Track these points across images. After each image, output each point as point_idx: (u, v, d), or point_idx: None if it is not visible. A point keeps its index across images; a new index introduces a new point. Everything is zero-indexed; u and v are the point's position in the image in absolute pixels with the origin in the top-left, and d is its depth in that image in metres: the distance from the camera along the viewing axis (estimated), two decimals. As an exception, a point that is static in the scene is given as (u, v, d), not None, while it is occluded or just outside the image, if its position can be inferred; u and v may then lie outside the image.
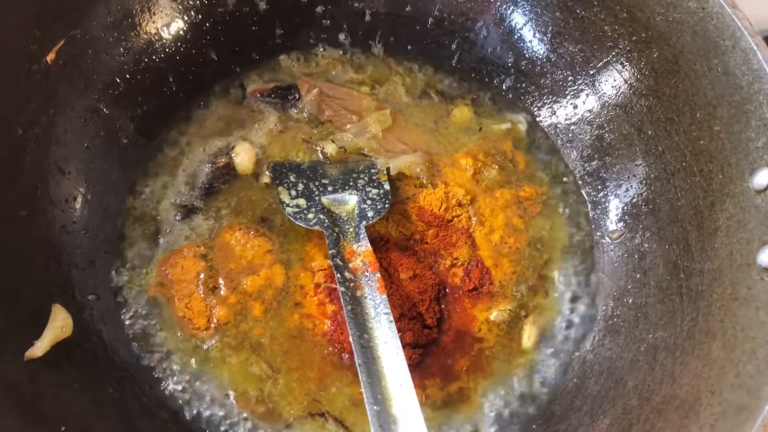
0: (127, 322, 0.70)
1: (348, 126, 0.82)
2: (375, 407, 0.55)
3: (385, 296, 0.65)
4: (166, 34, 0.80)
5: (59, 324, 0.65)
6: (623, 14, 0.74)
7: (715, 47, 0.65)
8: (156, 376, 0.68)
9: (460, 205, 0.77)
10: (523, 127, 0.84)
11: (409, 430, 0.54)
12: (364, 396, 0.56)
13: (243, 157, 0.79)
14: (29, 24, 0.67)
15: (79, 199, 0.73)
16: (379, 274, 0.67)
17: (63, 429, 0.57)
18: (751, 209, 0.61)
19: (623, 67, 0.76)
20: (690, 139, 0.69)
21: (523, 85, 0.85)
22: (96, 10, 0.73)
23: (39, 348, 0.62)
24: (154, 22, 0.79)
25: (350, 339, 0.61)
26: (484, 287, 0.75)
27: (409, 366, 0.66)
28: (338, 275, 0.66)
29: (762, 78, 0.61)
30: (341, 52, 0.87)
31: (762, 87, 0.61)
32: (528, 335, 0.72)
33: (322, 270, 0.73)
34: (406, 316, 0.70)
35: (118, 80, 0.77)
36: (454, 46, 0.86)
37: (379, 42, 0.87)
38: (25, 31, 0.67)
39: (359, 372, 0.58)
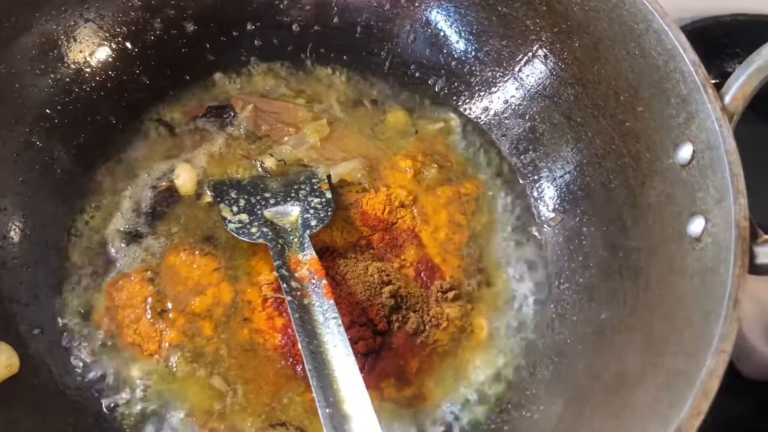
0: (75, 353, 0.69)
1: (286, 138, 0.82)
2: (327, 410, 0.55)
3: (332, 302, 0.65)
4: (94, 62, 0.80)
5: (4, 362, 0.64)
6: (542, 8, 0.76)
7: (630, 31, 0.68)
8: (110, 403, 0.67)
9: (403, 206, 0.79)
10: (457, 124, 0.86)
11: (362, 426, 0.54)
12: (316, 400, 0.56)
13: (184, 179, 0.79)
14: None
15: (18, 234, 0.72)
16: (325, 281, 0.67)
17: (13, 466, 0.56)
18: (678, 183, 0.63)
19: (547, 58, 0.78)
20: (616, 122, 0.71)
21: (455, 84, 0.87)
22: (18, 43, 0.72)
23: (-17, 387, 0.61)
24: (81, 51, 0.79)
25: (299, 346, 0.61)
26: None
27: (364, 371, 0.66)
28: (284, 285, 0.67)
29: (676, 56, 0.63)
30: (273, 67, 0.88)
31: (677, 65, 0.63)
32: (479, 328, 0.73)
33: (268, 284, 0.73)
34: (356, 323, 0.71)
35: (49, 111, 0.76)
36: (384, 53, 0.88)
37: (311, 54, 0.88)
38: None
39: (309, 377, 0.58)
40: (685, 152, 0.62)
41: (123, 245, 0.75)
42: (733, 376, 0.79)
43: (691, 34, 0.65)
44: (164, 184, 0.79)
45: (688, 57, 0.63)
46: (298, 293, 0.67)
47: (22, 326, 0.68)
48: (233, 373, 0.69)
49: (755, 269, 0.56)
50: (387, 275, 0.73)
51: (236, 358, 0.70)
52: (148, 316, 0.71)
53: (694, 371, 0.51)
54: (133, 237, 0.75)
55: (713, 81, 0.61)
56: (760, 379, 0.78)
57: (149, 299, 0.72)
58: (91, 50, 0.79)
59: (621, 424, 0.55)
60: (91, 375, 0.68)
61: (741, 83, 0.61)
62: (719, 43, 0.98)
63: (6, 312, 0.67)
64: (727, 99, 0.61)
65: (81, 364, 0.69)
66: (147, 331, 0.70)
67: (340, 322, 0.63)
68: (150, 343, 0.70)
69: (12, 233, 0.71)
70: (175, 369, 0.69)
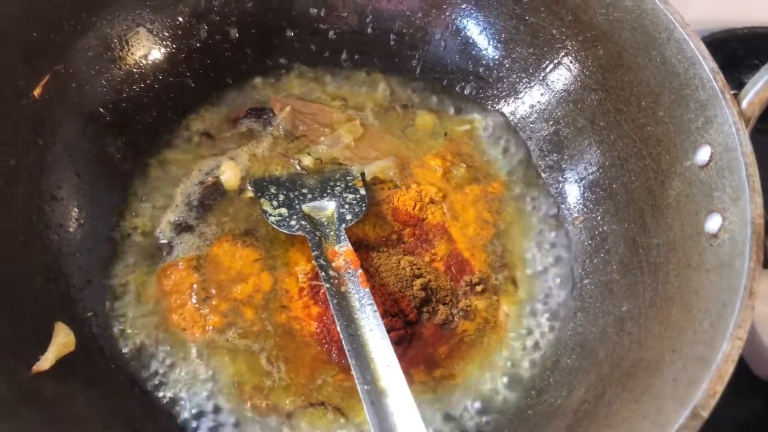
0: (125, 335, 0.74)
1: (322, 138, 0.87)
2: (365, 387, 0.59)
3: (368, 289, 0.69)
4: (144, 65, 0.85)
5: (62, 340, 0.68)
6: (568, 17, 0.80)
7: (652, 41, 0.72)
8: (157, 382, 0.71)
9: (433, 202, 0.83)
10: (484, 127, 0.90)
11: (397, 400, 0.58)
12: (355, 378, 0.60)
13: (228, 175, 0.84)
14: (17, 60, 0.71)
15: (73, 223, 0.77)
16: (361, 270, 0.72)
17: (71, 436, 0.61)
18: (696, 183, 0.66)
19: (573, 65, 0.82)
20: (638, 126, 0.75)
21: (483, 89, 0.91)
22: (77, 45, 0.78)
23: (44, 363, 0.65)
24: (132, 54, 0.84)
25: (338, 329, 0.65)
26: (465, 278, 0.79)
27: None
28: (323, 274, 0.71)
29: (695, 64, 0.67)
30: (311, 72, 0.93)
31: (696, 72, 0.67)
32: (505, 319, 0.77)
33: (305, 274, 0.77)
34: (388, 312, 0.74)
35: (102, 110, 0.81)
36: (416, 59, 0.92)
37: (346, 60, 0.93)
38: (13, 68, 0.71)
39: (348, 357, 0.62)
40: (703, 154, 0.66)
41: (173, 235, 0.80)
42: (745, 378, 0.82)
43: (709, 46, 0.68)
44: (210, 179, 0.83)
45: (707, 65, 0.67)
46: (336, 281, 0.71)
47: (78, 309, 0.73)
48: (275, 353, 0.73)
49: (770, 263, 0.59)
50: (418, 268, 0.77)
51: (274, 343, 0.74)
52: (194, 302, 0.75)
53: (711, 356, 0.54)
54: (182, 228, 0.80)
55: (731, 92, 0.65)
56: (775, 381, 0.80)
57: (195, 286, 0.76)
58: (142, 53, 0.85)
59: (640, 406, 0.58)
60: (140, 355, 0.73)
61: (758, 89, 0.65)
62: (736, 54, 1.02)
63: (62, 295, 0.72)
64: (744, 104, 0.65)
65: (131, 346, 0.73)
66: (192, 315, 0.75)
67: (375, 308, 0.67)
68: (195, 326, 0.74)
69: (68, 222, 0.76)
70: (217, 353, 0.73)
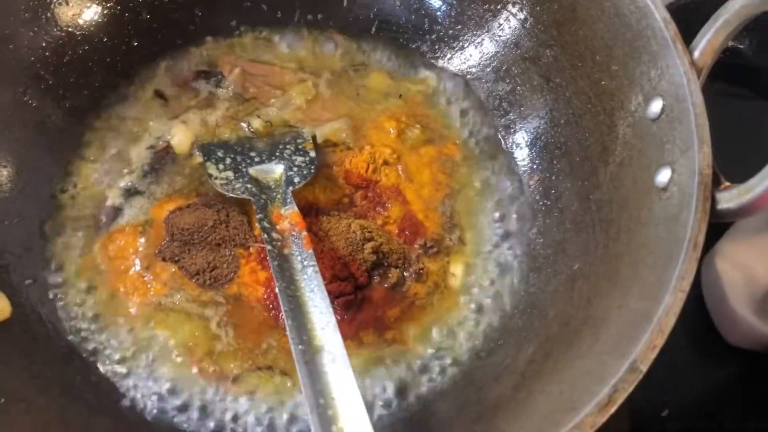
0: (65, 303, 0.72)
1: (272, 101, 0.84)
2: (300, 346, 0.58)
3: (311, 251, 0.68)
4: (85, 25, 0.82)
5: (-4, 307, 0.67)
6: (522, -31, 0.78)
7: (605, -9, 0.70)
8: (96, 349, 0.70)
9: (386, 164, 0.81)
10: (439, 87, 0.88)
11: (332, 359, 0.57)
12: (290, 338, 0.58)
13: (179, 138, 0.82)
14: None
15: (11, 188, 0.74)
16: (305, 233, 0.70)
17: (2, 400, 0.59)
18: (648, 137, 0.65)
19: (528, 20, 0.80)
20: (593, 81, 0.73)
21: (439, 48, 0.89)
22: (12, 4, 0.75)
23: (-24, 329, 0.64)
24: (72, 15, 0.81)
25: (276, 290, 0.64)
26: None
27: (343, 322, 0.69)
28: (265, 236, 0.69)
29: (648, 14, 0.65)
30: (262, 33, 0.90)
31: (649, 23, 0.65)
32: (455, 281, 0.75)
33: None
34: (338, 277, 0.73)
35: (43, 72, 0.78)
36: (369, 18, 0.90)
37: (299, 20, 0.90)
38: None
39: (285, 317, 0.60)
40: (655, 107, 0.64)
41: (121, 201, 0.77)
42: (718, 345, 0.81)
43: (681, 10, 0.67)
44: (162, 143, 0.81)
45: (659, 14, 0.65)
46: (279, 244, 0.69)
47: (15, 276, 0.70)
48: (217, 320, 0.71)
49: (717, 214, 0.58)
50: (369, 232, 0.75)
51: (219, 307, 0.72)
52: (137, 268, 0.73)
53: (654, 310, 0.53)
54: (131, 193, 0.78)
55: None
56: (746, 347, 0.79)
57: (139, 249, 0.74)
58: (82, 13, 0.82)
59: (584, 362, 0.57)
60: (81, 323, 0.71)
61: (709, 38, 0.63)
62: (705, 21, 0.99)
63: (-1, 262, 0.70)
64: (696, 54, 0.63)
65: (71, 313, 0.71)
66: (135, 282, 0.73)
67: (317, 269, 0.65)
68: (137, 293, 0.72)
69: (6, 188, 0.74)
70: (161, 320, 0.71)
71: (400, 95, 0.87)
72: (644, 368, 0.50)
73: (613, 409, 0.50)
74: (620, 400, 0.50)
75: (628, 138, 0.68)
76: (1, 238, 0.71)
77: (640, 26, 0.66)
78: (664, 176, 0.61)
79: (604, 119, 0.72)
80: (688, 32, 0.64)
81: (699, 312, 0.82)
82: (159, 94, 0.84)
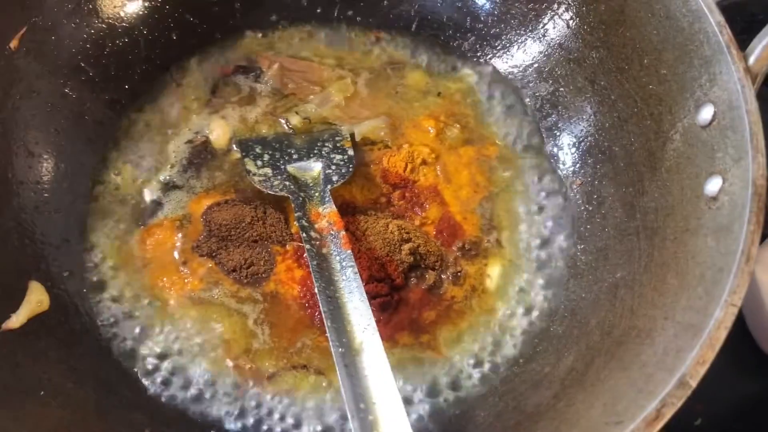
0: (103, 296, 0.72)
1: (311, 97, 0.84)
2: (340, 349, 0.57)
3: (350, 251, 0.67)
4: (126, 17, 0.82)
5: (35, 298, 0.67)
6: (569, -31, 0.76)
7: (656, -7, 0.68)
8: (133, 345, 0.70)
9: (425, 163, 0.80)
10: (480, 86, 0.86)
11: (371, 362, 0.56)
12: (329, 339, 0.58)
13: (218, 133, 0.81)
14: (-8, 10, 0.69)
15: (52, 181, 0.74)
16: (344, 232, 0.69)
17: (41, 393, 0.59)
18: (698, 144, 0.63)
19: (573, 21, 0.79)
20: (640, 85, 0.72)
21: (480, 46, 0.87)
22: (56, -4, 0.75)
23: (16, 320, 0.64)
24: (114, 7, 0.81)
25: (315, 290, 0.63)
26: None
27: (380, 323, 0.68)
28: (304, 235, 0.69)
29: (701, 17, 0.64)
30: (301, 28, 0.89)
31: (702, 26, 0.63)
32: (494, 285, 0.74)
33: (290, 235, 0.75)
34: (374, 277, 0.72)
35: (83, 65, 0.79)
36: (411, 15, 0.88)
37: (339, 16, 0.89)
38: (-13, 18, 0.69)
39: (324, 318, 0.60)
40: (706, 113, 0.63)
41: (160, 195, 0.77)
42: (754, 354, 0.80)
43: (726, 10, 0.64)
44: (200, 137, 0.81)
45: (713, 18, 0.63)
46: (317, 243, 0.68)
47: (53, 267, 0.71)
48: (254, 318, 0.71)
49: (771, 227, 0.56)
50: (407, 233, 0.74)
51: (255, 305, 0.72)
52: (176, 263, 0.73)
53: (703, 323, 0.52)
54: (169, 187, 0.78)
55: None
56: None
57: (178, 244, 0.74)
58: (124, 6, 0.82)
59: (628, 374, 0.56)
60: (117, 316, 0.71)
61: (766, 44, 0.61)
62: (756, 19, 0.97)
63: (38, 253, 0.70)
64: (752, 60, 0.61)
65: (107, 306, 0.71)
66: (173, 277, 0.73)
67: (356, 270, 0.65)
68: (175, 288, 0.72)
69: (46, 179, 0.74)
70: (198, 317, 0.71)
71: (439, 93, 0.85)
72: (694, 383, 0.49)
73: (660, 425, 0.49)
74: (668, 415, 0.49)
75: (676, 144, 0.66)
76: (40, 230, 0.72)
77: (693, 30, 0.64)
78: (714, 185, 0.60)
79: (650, 124, 0.70)
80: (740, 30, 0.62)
81: (735, 320, 0.80)
82: (195, 92, 0.84)
